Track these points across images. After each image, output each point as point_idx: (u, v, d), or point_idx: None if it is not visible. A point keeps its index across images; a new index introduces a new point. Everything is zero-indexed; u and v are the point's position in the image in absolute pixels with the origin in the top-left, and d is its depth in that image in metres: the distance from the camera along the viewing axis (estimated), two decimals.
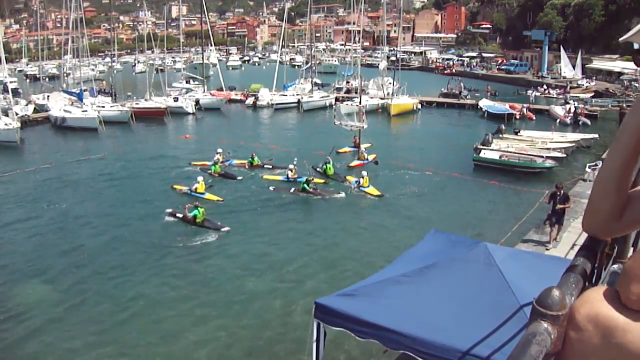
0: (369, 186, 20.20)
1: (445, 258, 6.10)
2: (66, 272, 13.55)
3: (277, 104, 43.28)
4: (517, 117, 37.56)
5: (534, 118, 37.86)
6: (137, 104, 39.55)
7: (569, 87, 49.98)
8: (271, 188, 20.44)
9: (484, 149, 24.56)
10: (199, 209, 16.52)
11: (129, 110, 36.42)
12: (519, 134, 28.83)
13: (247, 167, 23.36)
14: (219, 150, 22.05)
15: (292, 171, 21.29)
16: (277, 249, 15.18)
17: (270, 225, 17.11)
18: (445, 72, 72.66)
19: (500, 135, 27.60)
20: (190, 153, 27.39)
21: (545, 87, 52.63)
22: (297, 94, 45.01)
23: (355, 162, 24.40)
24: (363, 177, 20.38)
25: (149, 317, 11.30)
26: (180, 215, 16.76)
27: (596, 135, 27.95)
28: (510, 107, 38.92)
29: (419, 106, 43.05)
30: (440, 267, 5.92)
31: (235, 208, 18.63)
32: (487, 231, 16.15)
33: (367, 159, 24.65)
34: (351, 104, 35.55)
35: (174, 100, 41.29)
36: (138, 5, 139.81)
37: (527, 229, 14.62)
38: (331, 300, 6.00)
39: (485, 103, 41.02)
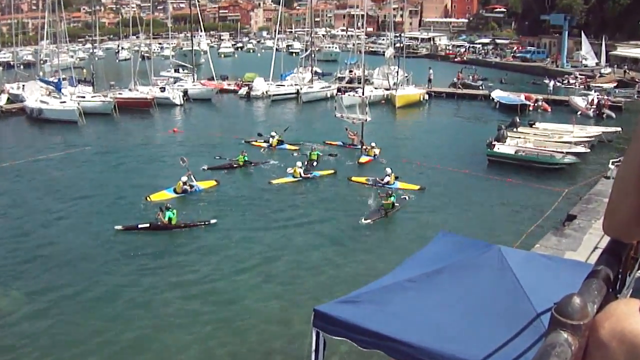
0: (394, 183, 20.39)
1: (455, 262, 6.09)
2: (34, 282, 13.29)
3: (273, 94, 43.12)
4: (532, 108, 37.62)
5: (550, 110, 37.91)
6: (120, 94, 39.32)
7: (597, 76, 49.91)
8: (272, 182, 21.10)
9: (499, 143, 24.59)
10: (172, 210, 16.48)
11: (111, 101, 36.20)
12: (534, 126, 28.93)
13: (238, 164, 23.50)
14: (184, 179, 19.84)
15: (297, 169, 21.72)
16: (271, 248, 15.27)
17: (263, 221, 17.21)
18: (456, 60, 72.68)
19: (515, 129, 27.68)
20: (178, 149, 27.15)
21: (565, 76, 52.81)
22: (295, 84, 44.90)
23: (364, 159, 24.47)
24: (389, 175, 20.59)
25: (133, 332, 11.27)
26: (147, 225, 16.42)
27: (619, 129, 27.99)
28: (525, 97, 38.94)
29: (427, 97, 43.07)
30: (450, 272, 5.93)
31: (225, 204, 18.83)
32: (500, 233, 16.19)
33: (375, 155, 24.83)
34: (354, 95, 35.48)
35: (161, 91, 41.13)
36: None
37: (545, 231, 14.66)
38: (332, 308, 5.98)
39: (498, 94, 41.05)
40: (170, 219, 16.36)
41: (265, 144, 27.15)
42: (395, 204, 17.80)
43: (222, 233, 16.45)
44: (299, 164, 21.92)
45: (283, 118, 37.80)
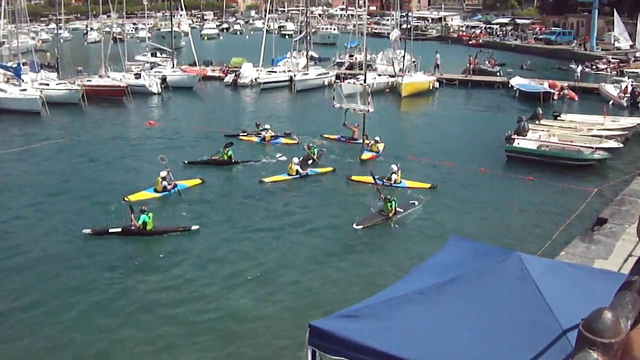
0: (401, 182, 20.60)
1: (469, 272, 6.11)
2: None
3: (264, 82, 43.05)
4: (556, 97, 37.72)
5: (577, 99, 38.01)
6: (89, 81, 39.28)
7: (631, 60, 49.83)
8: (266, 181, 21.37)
9: (519, 137, 24.60)
10: (147, 214, 16.45)
11: (79, 90, 36.17)
12: (559, 117, 29.01)
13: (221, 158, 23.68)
14: (163, 174, 19.92)
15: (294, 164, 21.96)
16: (262, 255, 15.37)
17: (252, 226, 17.30)
18: (470, 42, 72.72)
19: (537, 121, 27.74)
20: (156, 144, 27.26)
21: (594, 60, 52.85)
22: (288, 71, 44.91)
23: (366, 155, 24.63)
24: (395, 172, 20.69)
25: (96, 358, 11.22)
26: (118, 230, 16.40)
27: None
28: (549, 85, 39.03)
29: (437, 85, 43.07)
30: (463, 283, 5.94)
31: (210, 206, 18.99)
32: (521, 239, 16.19)
33: (379, 150, 24.96)
34: (355, 83, 35.55)
35: (136, 77, 41.09)
36: None
37: (572, 236, 14.69)
38: (329, 323, 5.97)
39: (517, 81, 41.12)
40: (145, 224, 16.31)
41: (257, 138, 27.46)
42: (398, 210, 17.75)
43: (206, 240, 16.47)
44: (296, 160, 22.09)
45: (275, 109, 37.87)
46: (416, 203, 18.78)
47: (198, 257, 15.47)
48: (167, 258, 15.37)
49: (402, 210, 17.90)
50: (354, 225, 16.95)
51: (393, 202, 17.59)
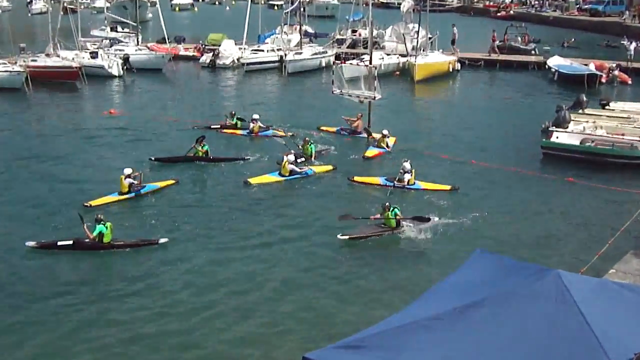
0: (415, 183, 20.67)
1: (497, 293, 6.26)
2: None
3: (248, 63, 43.02)
4: (604, 80, 37.67)
5: (630, 82, 37.96)
6: (34, 61, 38.80)
7: None
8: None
9: (558, 130, 24.48)
10: (104, 223, 16.31)
11: (22, 71, 35.88)
12: (607, 106, 28.83)
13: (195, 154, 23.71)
14: (127, 171, 20.04)
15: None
16: (245, 276, 15.16)
17: (234, 237, 17.19)
18: (499, 15, 72.64)
19: (581, 110, 27.46)
20: (117, 137, 27.11)
21: None
22: (278, 49, 44.78)
23: (372, 151, 24.56)
24: (408, 172, 20.70)
25: None
26: (69, 243, 16.28)
27: None
28: (596, 66, 38.95)
29: (459, 66, 42.99)
30: (490, 306, 6.05)
31: (184, 212, 18.90)
32: (560, 252, 16.11)
33: (387, 146, 24.93)
34: (358, 65, 35.38)
35: (92, 57, 40.89)
36: None
37: (623, 250, 14.49)
38: (327, 355, 5.99)
39: (557, 61, 41.02)
40: (101, 235, 16.13)
41: (243, 131, 27.52)
42: (403, 224, 17.48)
43: (176, 257, 16.21)
44: (291, 157, 22.09)
45: (262, 95, 37.70)
46: (431, 219, 17.85)
47: (166, 279, 15.09)
48: (128, 279, 15.06)
49: (410, 226, 17.54)
50: (339, 236, 16.80)
51: (395, 210, 17.33)
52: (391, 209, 17.34)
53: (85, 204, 18.90)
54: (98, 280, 15.13)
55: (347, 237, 16.84)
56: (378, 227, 17.41)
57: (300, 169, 22.05)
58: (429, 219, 17.73)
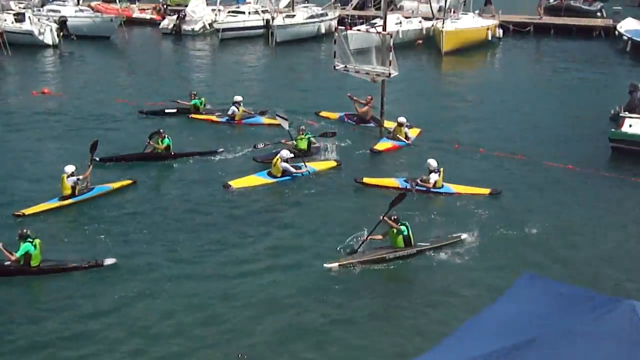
0: (442, 185, 20.70)
1: (553, 330, 6.48)
2: None
3: (224, 30, 43.54)
4: None
5: None
6: None
7: None
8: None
9: (632, 117, 23.93)
10: (32, 240, 15.67)
11: None
12: None
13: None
14: (69, 169, 20.26)
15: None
16: (217, 310, 14.61)
17: (205, 257, 16.85)
18: None
19: None
20: (52, 124, 26.81)
21: None
22: (263, 11, 45.23)
23: (384, 144, 24.38)
24: (435, 171, 20.34)
25: None
26: None
27: None
28: None
29: (500, 33, 42.53)
30: (544, 347, 6.28)
31: (141, 224, 18.74)
32: (634, 277, 15.79)
33: (406, 138, 24.68)
34: (368, 31, 34.46)
35: (17, 20, 41.19)
36: None
37: None
38: None
39: (629, 26, 40.90)
40: (28, 256, 15.51)
41: (220, 118, 27.07)
42: (421, 244, 16.81)
43: (127, 284, 15.43)
44: (285, 153, 21.63)
45: (241, 71, 36.84)
46: (462, 237, 17.62)
47: (111, 315, 14.34)
48: (61, 313, 14.36)
49: (427, 245, 16.99)
50: (325, 264, 16.38)
51: (404, 230, 16.63)
52: (399, 222, 16.79)
53: (16, 213, 18.56)
54: (22, 314, 14.63)
55: (334, 264, 16.32)
56: (382, 249, 16.85)
57: (296, 168, 21.62)
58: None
